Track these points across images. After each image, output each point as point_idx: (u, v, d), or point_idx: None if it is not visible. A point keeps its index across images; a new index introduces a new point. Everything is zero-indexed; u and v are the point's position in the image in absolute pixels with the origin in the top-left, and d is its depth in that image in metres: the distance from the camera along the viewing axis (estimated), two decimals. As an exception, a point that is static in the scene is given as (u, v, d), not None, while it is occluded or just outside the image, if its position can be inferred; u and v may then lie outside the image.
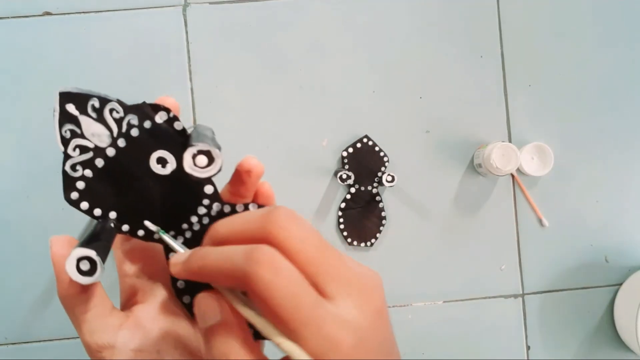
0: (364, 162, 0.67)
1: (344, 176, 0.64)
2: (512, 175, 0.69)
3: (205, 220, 0.29)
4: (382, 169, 0.67)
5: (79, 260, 0.26)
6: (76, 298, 0.27)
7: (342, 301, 0.23)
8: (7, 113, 0.65)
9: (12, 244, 0.65)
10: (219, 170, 0.27)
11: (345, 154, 0.67)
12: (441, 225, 0.68)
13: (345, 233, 0.67)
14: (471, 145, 0.68)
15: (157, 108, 0.28)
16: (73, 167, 0.28)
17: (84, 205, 0.28)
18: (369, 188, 0.67)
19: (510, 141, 0.68)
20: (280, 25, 0.67)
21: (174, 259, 0.26)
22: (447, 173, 0.68)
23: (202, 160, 0.27)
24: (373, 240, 0.67)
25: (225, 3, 0.67)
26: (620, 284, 0.68)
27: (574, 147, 0.69)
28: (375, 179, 0.67)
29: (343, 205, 0.67)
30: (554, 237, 0.69)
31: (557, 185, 0.69)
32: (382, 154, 0.67)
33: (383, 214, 0.67)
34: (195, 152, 0.27)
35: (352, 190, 0.67)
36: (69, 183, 0.28)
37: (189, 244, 0.29)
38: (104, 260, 0.26)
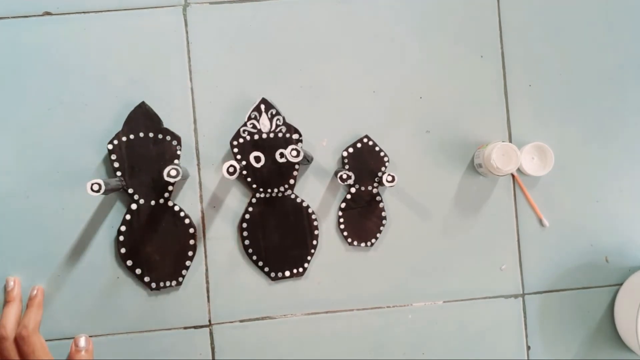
0: (364, 162, 0.67)
1: (344, 176, 0.64)
2: (512, 175, 0.69)
3: (274, 193, 0.64)
4: (382, 169, 0.67)
5: None
6: None
7: None
8: (7, 113, 0.65)
9: (11, 243, 0.65)
10: (296, 164, 0.57)
11: (345, 154, 0.67)
12: (441, 225, 0.68)
13: (345, 233, 0.67)
14: (471, 145, 0.68)
15: (297, 133, 0.64)
16: (244, 131, 0.63)
17: (235, 150, 0.62)
18: (369, 188, 0.67)
19: (510, 141, 0.68)
20: (280, 25, 0.67)
21: None
22: (447, 173, 0.68)
23: (294, 153, 0.55)
24: (373, 240, 0.67)
25: (225, 3, 0.67)
26: (620, 284, 0.68)
27: (574, 147, 0.69)
28: (375, 179, 0.67)
29: (343, 205, 0.67)
30: (554, 237, 0.69)
31: (557, 185, 0.69)
32: (382, 154, 0.67)
33: (383, 214, 0.67)
34: (294, 147, 0.55)
35: (352, 190, 0.67)
36: (236, 136, 0.64)
37: (266, 201, 0.65)
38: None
